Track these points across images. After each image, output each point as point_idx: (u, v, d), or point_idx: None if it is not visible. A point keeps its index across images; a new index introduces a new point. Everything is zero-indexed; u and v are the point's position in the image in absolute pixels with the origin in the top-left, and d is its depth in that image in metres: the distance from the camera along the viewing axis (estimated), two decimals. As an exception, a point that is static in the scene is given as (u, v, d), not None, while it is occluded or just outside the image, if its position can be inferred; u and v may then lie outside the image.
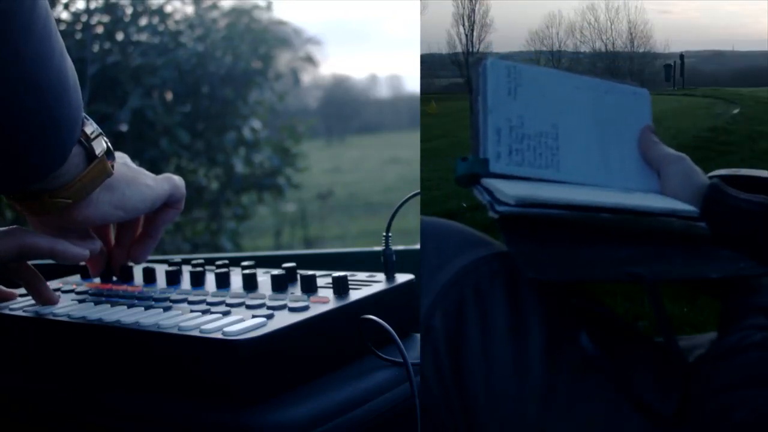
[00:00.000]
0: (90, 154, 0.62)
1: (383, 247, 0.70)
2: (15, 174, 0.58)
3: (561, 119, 0.62)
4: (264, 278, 0.70)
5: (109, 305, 0.67)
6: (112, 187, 0.66)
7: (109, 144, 0.65)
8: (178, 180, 0.73)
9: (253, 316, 0.59)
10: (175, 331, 0.58)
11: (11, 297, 0.72)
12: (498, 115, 0.60)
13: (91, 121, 0.63)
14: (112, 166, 0.65)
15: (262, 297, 0.65)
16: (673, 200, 0.59)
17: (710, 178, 0.61)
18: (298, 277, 0.67)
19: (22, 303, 0.70)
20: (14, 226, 0.64)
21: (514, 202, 0.54)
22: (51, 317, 0.65)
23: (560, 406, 0.49)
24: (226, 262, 0.74)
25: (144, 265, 0.76)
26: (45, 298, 0.69)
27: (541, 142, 0.60)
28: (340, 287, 0.64)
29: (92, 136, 0.63)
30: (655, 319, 0.52)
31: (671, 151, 0.63)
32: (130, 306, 0.66)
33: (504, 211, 0.54)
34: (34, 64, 0.53)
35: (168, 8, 3.71)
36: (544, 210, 0.54)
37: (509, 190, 0.55)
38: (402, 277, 0.69)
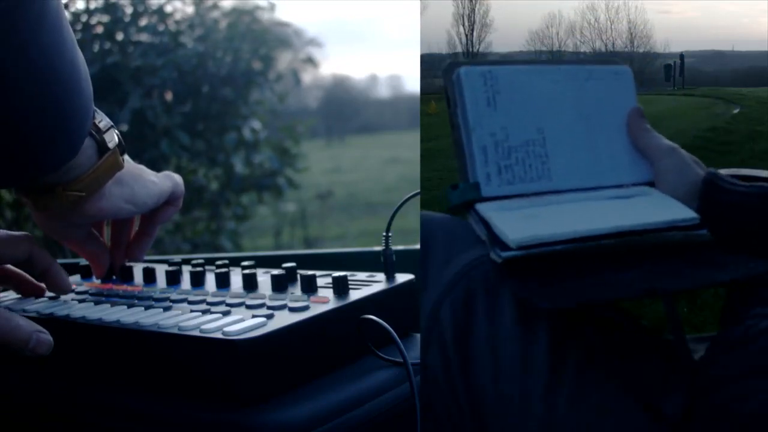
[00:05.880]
0: (102, 147, 0.63)
1: (383, 247, 0.70)
2: (28, 165, 0.58)
3: (545, 121, 0.60)
4: (264, 278, 0.69)
5: (109, 305, 0.67)
6: (122, 182, 0.66)
7: (121, 137, 0.65)
8: (177, 178, 0.74)
9: (253, 316, 0.59)
10: (175, 331, 0.58)
11: (41, 292, 0.72)
12: (481, 132, 0.58)
13: (102, 114, 0.64)
14: (123, 160, 0.65)
15: (262, 297, 0.65)
16: (670, 203, 0.58)
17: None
18: (298, 277, 0.67)
19: (22, 303, 0.70)
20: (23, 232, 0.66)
21: (515, 246, 0.53)
22: (51, 317, 0.65)
23: (566, 401, 0.49)
24: (226, 262, 0.74)
25: (144, 265, 0.76)
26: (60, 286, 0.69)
27: (529, 152, 0.59)
28: (340, 287, 0.64)
29: (104, 129, 0.63)
30: (667, 321, 0.52)
31: (662, 141, 0.62)
32: (130, 306, 0.66)
33: (507, 256, 0.53)
34: (46, 55, 0.53)
35: (168, 8, 3.71)
36: (545, 249, 0.53)
37: (509, 231, 0.53)
38: (402, 277, 0.69)
